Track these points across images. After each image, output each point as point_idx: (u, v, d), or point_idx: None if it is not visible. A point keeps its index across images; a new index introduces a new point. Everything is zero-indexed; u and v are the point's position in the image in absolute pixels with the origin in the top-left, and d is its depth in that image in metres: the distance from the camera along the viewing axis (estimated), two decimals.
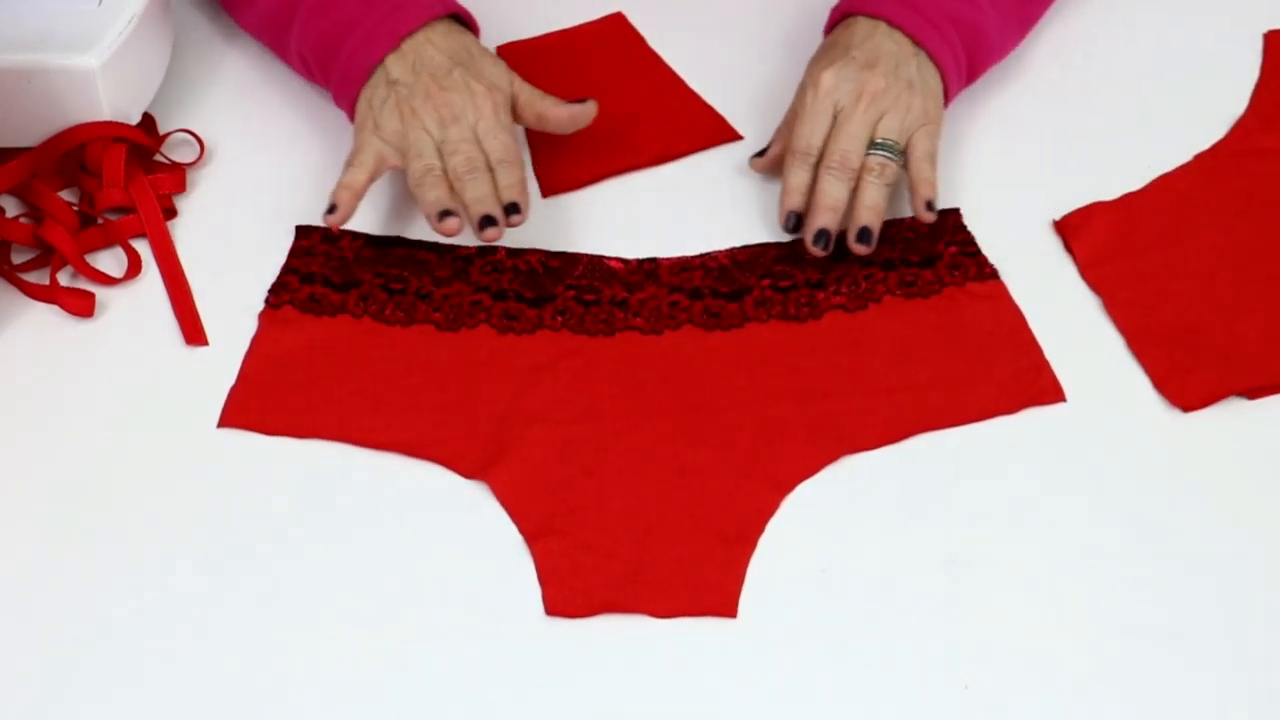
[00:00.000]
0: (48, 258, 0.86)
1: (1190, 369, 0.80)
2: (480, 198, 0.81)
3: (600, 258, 0.84)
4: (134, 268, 0.85)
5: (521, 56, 0.98)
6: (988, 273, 0.83)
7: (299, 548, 0.74)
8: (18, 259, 0.86)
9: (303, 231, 0.86)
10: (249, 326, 0.82)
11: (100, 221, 0.87)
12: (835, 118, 0.83)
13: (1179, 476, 0.76)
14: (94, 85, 0.85)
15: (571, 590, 0.72)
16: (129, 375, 0.81)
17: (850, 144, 0.82)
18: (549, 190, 0.90)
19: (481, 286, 0.83)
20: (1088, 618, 0.71)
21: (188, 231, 0.88)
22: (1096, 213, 0.87)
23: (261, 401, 0.79)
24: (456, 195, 0.81)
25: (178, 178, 0.89)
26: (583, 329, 0.81)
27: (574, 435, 0.77)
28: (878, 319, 0.82)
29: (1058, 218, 0.87)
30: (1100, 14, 0.98)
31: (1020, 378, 0.79)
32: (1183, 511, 0.74)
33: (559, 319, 0.82)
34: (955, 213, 0.86)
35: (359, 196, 0.82)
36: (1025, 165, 0.90)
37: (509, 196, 0.81)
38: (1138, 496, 0.75)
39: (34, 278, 0.85)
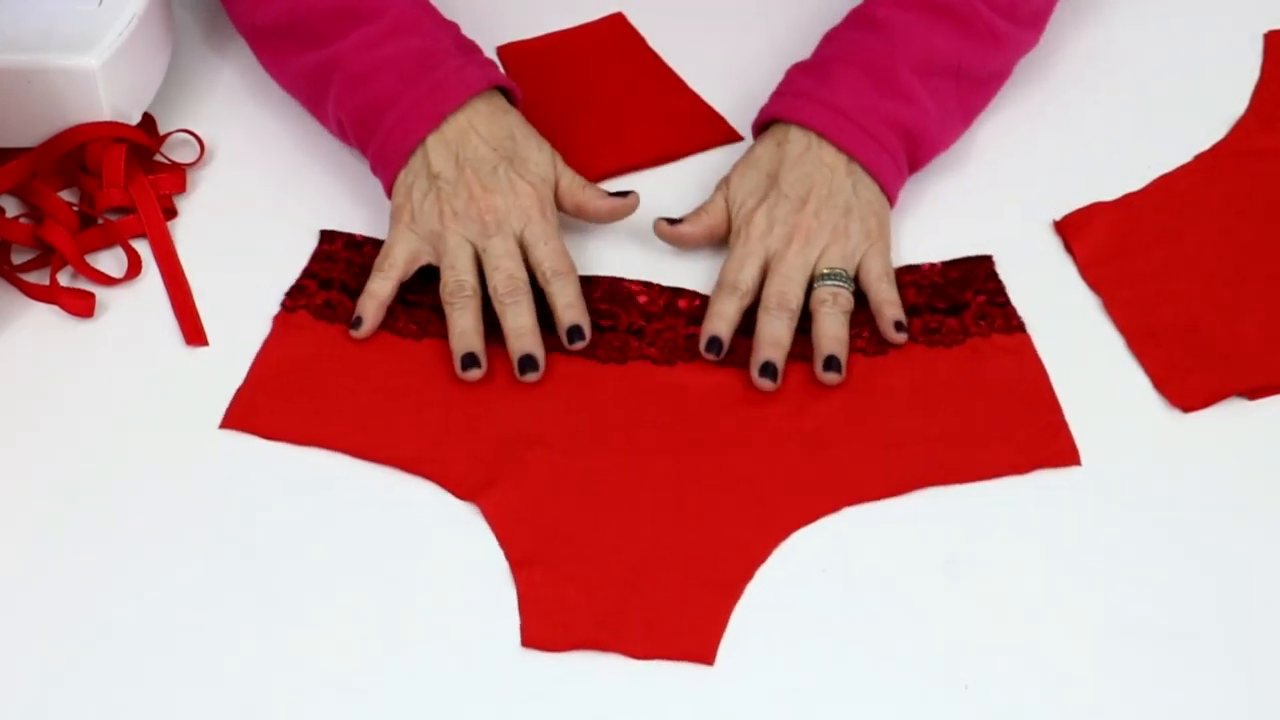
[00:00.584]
0: (48, 258, 0.86)
1: (1190, 369, 0.80)
2: (521, 330, 0.79)
3: (620, 280, 0.83)
4: (134, 268, 0.85)
5: (522, 57, 0.98)
6: (1015, 325, 0.81)
7: (286, 556, 0.73)
8: (18, 259, 0.86)
9: (326, 236, 0.85)
10: (249, 327, 0.82)
11: (100, 221, 0.87)
12: (768, 258, 0.81)
13: (1179, 476, 0.76)
14: (94, 85, 0.85)
15: (551, 623, 0.70)
16: (129, 375, 0.81)
17: (786, 286, 0.79)
18: None
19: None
20: (1088, 618, 0.71)
21: (188, 231, 0.88)
22: (1097, 213, 0.87)
23: (266, 405, 0.78)
24: (487, 318, 0.80)
25: (178, 178, 0.89)
26: (594, 355, 0.80)
27: (573, 464, 0.76)
28: (896, 365, 0.79)
29: (1058, 218, 0.87)
30: (1100, 14, 0.98)
31: (1036, 438, 0.77)
32: (1183, 511, 0.74)
33: None
34: (988, 260, 0.84)
35: (385, 305, 0.81)
36: (1025, 165, 0.90)
37: (570, 318, 0.79)
38: (1138, 496, 0.75)
39: (34, 278, 0.85)
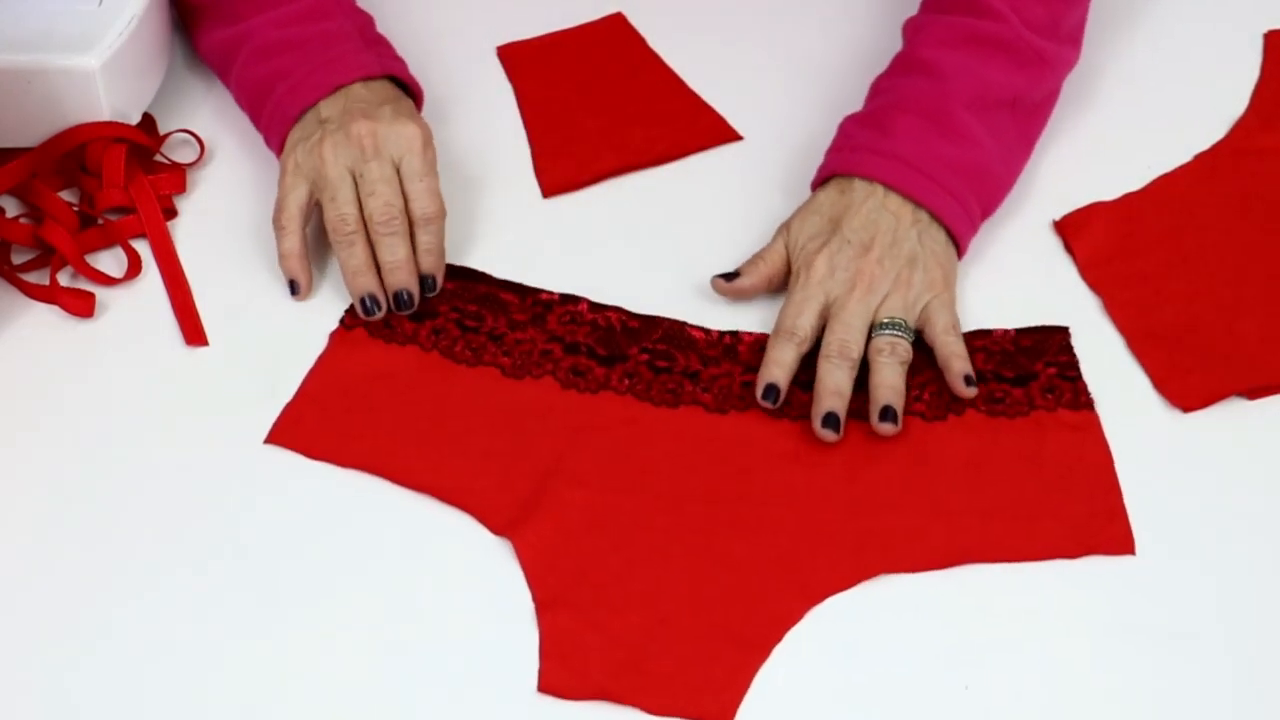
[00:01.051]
0: (48, 258, 0.86)
1: (1190, 369, 0.80)
2: (396, 263, 0.79)
3: (682, 324, 0.81)
4: (134, 268, 0.85)
5: (521, 57, 0.98)
6: (1083, 401, 0.78)
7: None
8: (18, 259, 0.86)
9: None
10: (249, 327, 0.82)
11: (100, 222, 0.87)
12: (827, 304, 0.79)
13: (1179, 476, 0.76)
14: (94, 85, 0.85)
15: (570, 670, 0.68)
16: (129, 375, 0.81)
17: (848, 334, 0.77)
18: (550, 190, 0.90)
19: (556, 336, 0.81)
20: (1088, 618, 0.71)
21: (188, 231, 0.88)
22: (1096, 213, 0.87)
23: (312, 422, 0.78)
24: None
25: (178, 178, 0.89)
26: (648, 396, 0.79)
27: (612, 506, 0.74)
28: (954, 432, 0.77)
29: (1058, 218, 0.87)
30: (1100, 15, 0.98)
31: (1092, 521, 0.74)
32: (1183, 511, 0.74)
33: (625, 382, 0.79)
34: (1064, 331, 0.81)
35: (305, 258, 0.82)
36: (1025, 165, 0.90)
37: (426, 265, 0.80)
38: (1138, 497, 0.75)
39: (34, 278, 0.85)
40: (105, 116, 0.87)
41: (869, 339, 0.78)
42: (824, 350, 0.78)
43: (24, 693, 0.69)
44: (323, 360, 0.80)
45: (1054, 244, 0.86)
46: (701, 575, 0.72)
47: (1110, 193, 0.88)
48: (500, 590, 0.72)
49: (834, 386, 0.77)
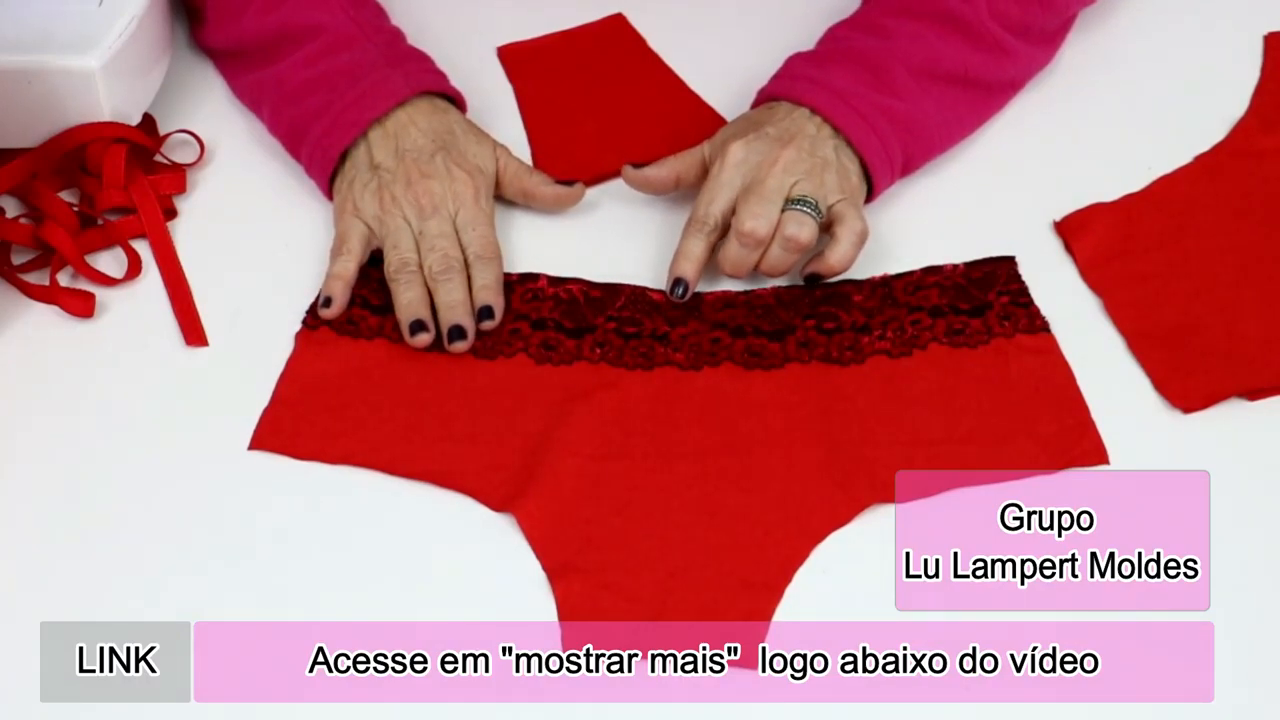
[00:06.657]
0: (48, 258, 0.86)
1: (1191, 370, 0.80)
2: (453, 304, 0.80)
3: (643, 289, 0.83)
4: (134, 268, 0.85)
5: (522, 57, 0.98)
6: (1038, 325, 0.81)
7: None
8: (18, 259, 0.86)
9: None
10: (249, 327, 0.82)
11: (100, 222, 0.87)
12: (743, 187, 0.81)
13: None
14: (94, 86, 0.85)
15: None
16: (129, 375, 0.81)
17: (762, 210, 0.80)
18: None
19: (521, 315, 0.82)
20: (1087, 617, 0.71)
21: (188, 231, 0.88)
22: (1097, 214, 0.87)
23: (294, 425, 0.78)
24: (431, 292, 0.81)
25: (178, 178, 0.89)
26: (621, 362, 0.80)
27: (605, 471, 0.76)
28: (921, 366, 0.80)
29: (1058, 218, 0.87)
30: (1100, 16, 0.98)
31: (1064, 436, 0.77)
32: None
33: (597, 351, 0.80)
34: (1010, 261, 0.83)
35: (351, 285, 0.82)
36: (1025, 165, 0.90)
37: (483, 298, 0.81)
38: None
39: (34, 278, 0.85)
40: (105, 117, 0.87)
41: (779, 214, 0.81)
42: (736, 225, 0.80)
43: (23, 692, 0.69)
44: (292, 362, 0.81)
45: (1054, 244, 0.86)
46: (703, 527, 0.74)
47: (1110, 193, 0.88)
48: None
49: (732, 269, 0.81)
